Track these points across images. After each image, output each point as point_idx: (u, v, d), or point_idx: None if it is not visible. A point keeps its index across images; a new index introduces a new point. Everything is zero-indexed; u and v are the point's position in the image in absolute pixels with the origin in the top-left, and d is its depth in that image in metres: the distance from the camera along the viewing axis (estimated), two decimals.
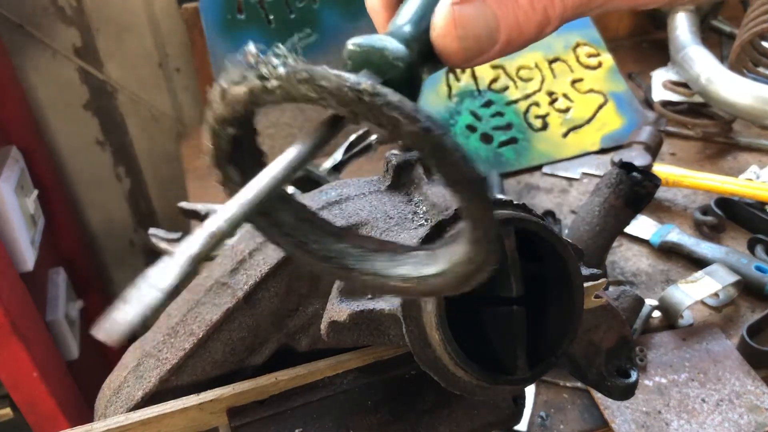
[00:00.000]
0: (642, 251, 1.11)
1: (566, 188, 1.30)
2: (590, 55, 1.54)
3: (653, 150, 1.18)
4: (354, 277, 0.31)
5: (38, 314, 1.24)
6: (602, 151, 1.41)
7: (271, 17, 1.42)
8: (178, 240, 0.64)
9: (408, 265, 0.30)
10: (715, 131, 1.40)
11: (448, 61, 0.30)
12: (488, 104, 1.45)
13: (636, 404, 0.83)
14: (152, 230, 0.66)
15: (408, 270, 0.30)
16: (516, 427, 0.81)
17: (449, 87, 1.44)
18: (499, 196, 0.42)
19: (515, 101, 1.46)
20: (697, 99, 1.44)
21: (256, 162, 0.32)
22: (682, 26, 1.49)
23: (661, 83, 1.54)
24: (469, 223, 0.27)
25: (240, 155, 0.31)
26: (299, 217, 0.32)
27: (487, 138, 1.39)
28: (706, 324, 0.95)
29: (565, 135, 1.43)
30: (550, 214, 1.20)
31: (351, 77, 0.24)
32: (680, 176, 1.19)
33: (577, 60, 1.53)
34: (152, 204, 1.78)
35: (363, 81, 0.24)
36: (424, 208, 0.47)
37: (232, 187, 0.31)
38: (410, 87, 0.28)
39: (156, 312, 0.25)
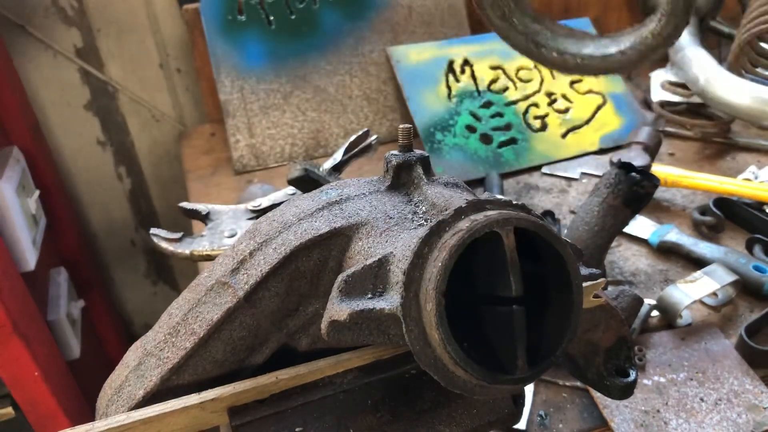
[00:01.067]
0: (641, 251, 1.12)
1: (565, 188, 1.30)
2: None
3: (652, 150, 1.18)
4: (543, 53, 0.39)
5: (39, 314, 1.24)
6: (601, 151, 1.41)
7: (272, 18, 1.42)
8: (179, 240, 0.64)
9: (592, 47, 0.36)
10: (713, 132, 1.41)
11: None
12: (488, 105, 1.45)
13: (635, 403, 0.83)
14: (153, 230, 0.66)
15: (592, 50, 0.36)
16: (515, 426, 0.81)
17: (449, 88, 1.45)
18: (499, 197, 0.43)
19: (515, 102, 1.46)
20: (696, 99, 1.44)
21: None
22: None
23: (659, 84, 1.54)
24: None
25: None
26: None
27: (486, 138, 1.40)
28: (704, 323, 0.95)
29: (564, 135, 1.43)
30: (549, 214, 1.20)
31: None
32: (679, 176, 1.20)
33: None
34: (153, 204, 1.78)
35: None
36: (423, 208, 0.48)
37: None
38: None
39: None
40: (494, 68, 1.49)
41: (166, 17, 1.53)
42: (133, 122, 1.64)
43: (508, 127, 1.42)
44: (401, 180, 0.51)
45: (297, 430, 0.45)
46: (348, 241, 0.46)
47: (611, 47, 0.37)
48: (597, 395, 0.84)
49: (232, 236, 0.65)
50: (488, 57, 1.50)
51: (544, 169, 1.36)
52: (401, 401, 0.47)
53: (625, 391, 0.55)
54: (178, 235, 0.64)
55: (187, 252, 0.63)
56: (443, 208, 0.45)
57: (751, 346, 0.88)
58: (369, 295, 0.40)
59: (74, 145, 1.62)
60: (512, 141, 1.40)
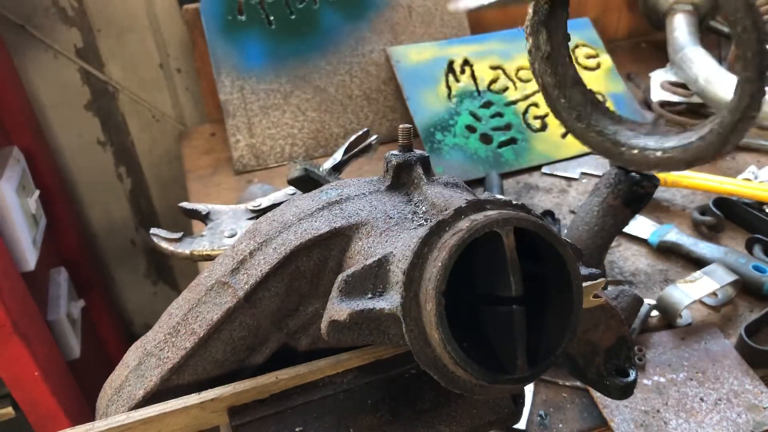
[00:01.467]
0: (641, 251, 1.12)
1: (565, 188, 1.30)
2: (589, 56, 1.55)
3: None
4: (621, 152, 0.42)
5: (40, 314, 1.25)
6: None
7: (272, 18, 1.42)
8: (179, 240, 0.64)
9: (674, 140, 0.38)
10: None
11: None
12: (488, 105, 1.45)
13: (635, 403, 0.83)
14: (153, 230, 0.66)
15: (674, 142, 0.38)
16: (515, 426, 0.81)
17: (449, 88, 1.45)
18: (499, 197, 0.43)
19: (514, 102, 1.46)
20: (696, 100, 1.44)
21: (561, 28, 0.41)
22: (680, 27, 1.49)
23: (659, 84, 1.54)
24: (742, 64, 0.32)
25: (551, 21, 0.39)
26: (587, 98, 0.44)
27: (486, 138, 1.40)
28: (704, 323, 0.95)
29: (564, 135, 1.43)
30: (549, 214, 1.20)
31: None
32: (679, 176, 1.20)
33: (576, 61, 1.53)
34: (153, 204, 1.78)
35: None
36: (423, 207, 0.48)
37: (534, 57, 0.39)
38: None
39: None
40: (494, 68, 1.49)
41: (166, 17, 1.53)
42: (133, 122, 1.64)
43: (508, 127, 1.42)
44: (401, 180, 0.51)
45: (297, 430, 0.45)
46: (348, 241, 0.46)
47: (692, 136, 0.40)
48: (597, 395, 0.84)
49: (232, 236, 0.65)
50: (488, 57, 1.50)
51: (544, 169, 1.36)
52: (401, 401, 0.47)
53: (624, 391, 0.55)
54: (178, 235, 0.64)
55: (187, 252, 0.63)
56: (443, 208, 0.45)
57: (750, 345, 0.88)
58: (369, 295, 0.40)
59: (74, 145, 1.62)
60: (512, 141, 1.40)
